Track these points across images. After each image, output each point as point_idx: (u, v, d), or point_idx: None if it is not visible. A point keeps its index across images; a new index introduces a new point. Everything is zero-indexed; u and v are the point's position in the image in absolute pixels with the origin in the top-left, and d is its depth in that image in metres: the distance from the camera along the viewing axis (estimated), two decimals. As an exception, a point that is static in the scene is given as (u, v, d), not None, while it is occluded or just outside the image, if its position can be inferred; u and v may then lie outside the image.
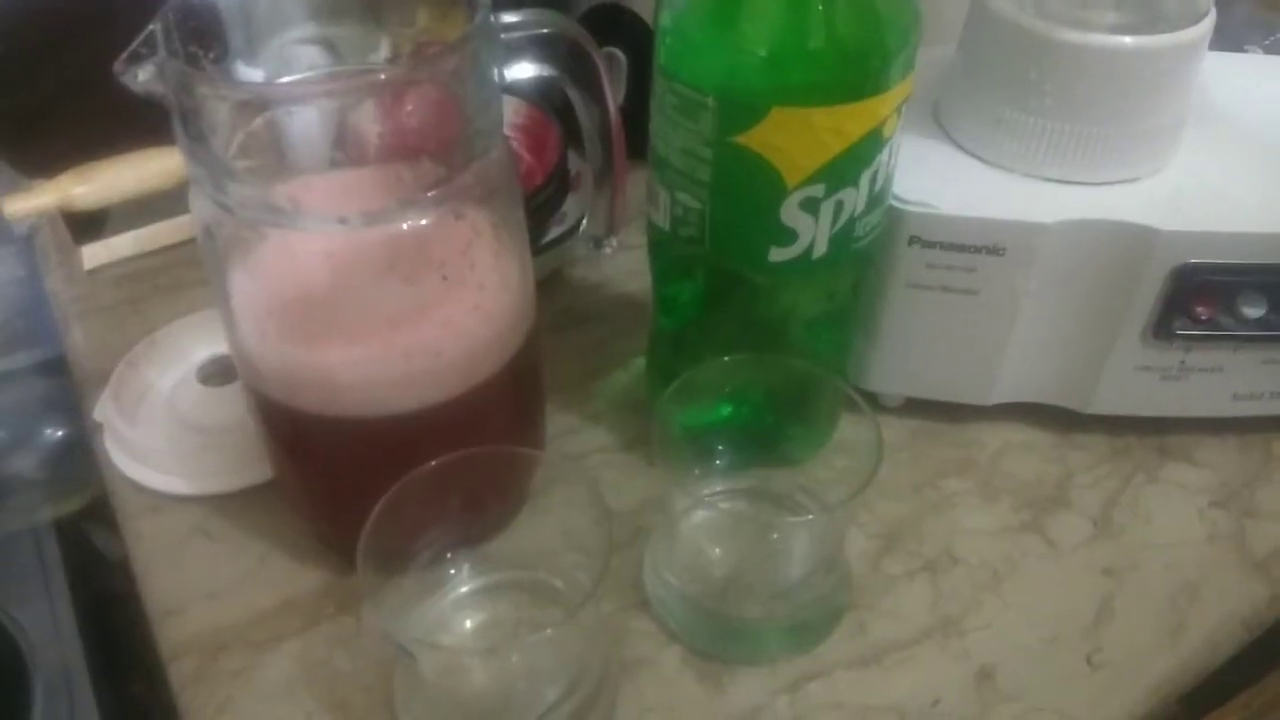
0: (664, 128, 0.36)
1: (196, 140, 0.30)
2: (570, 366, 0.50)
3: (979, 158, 0.42)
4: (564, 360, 0.50)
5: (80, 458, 0.58)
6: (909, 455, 0.46)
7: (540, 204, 0.52)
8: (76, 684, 0.57)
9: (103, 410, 0.47)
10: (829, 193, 0.35)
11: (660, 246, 0.40)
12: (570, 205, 0.55)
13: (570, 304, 0.55)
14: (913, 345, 0.44)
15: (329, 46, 0.39)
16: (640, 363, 0.49)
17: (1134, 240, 0.40)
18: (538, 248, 0.52)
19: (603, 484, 0.45)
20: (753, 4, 0.33)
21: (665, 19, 0.35)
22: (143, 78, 0.30)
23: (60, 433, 0.59)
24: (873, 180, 0.35)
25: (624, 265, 0.57)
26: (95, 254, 0.57)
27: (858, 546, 0.42)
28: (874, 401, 0.47)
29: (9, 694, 0.54)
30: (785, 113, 0.33)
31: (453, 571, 0.39)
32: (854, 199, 0.35)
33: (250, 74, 0.37)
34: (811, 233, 0.36)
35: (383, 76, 0.30)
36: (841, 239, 0.36)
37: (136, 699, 0.60)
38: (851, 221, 0.36)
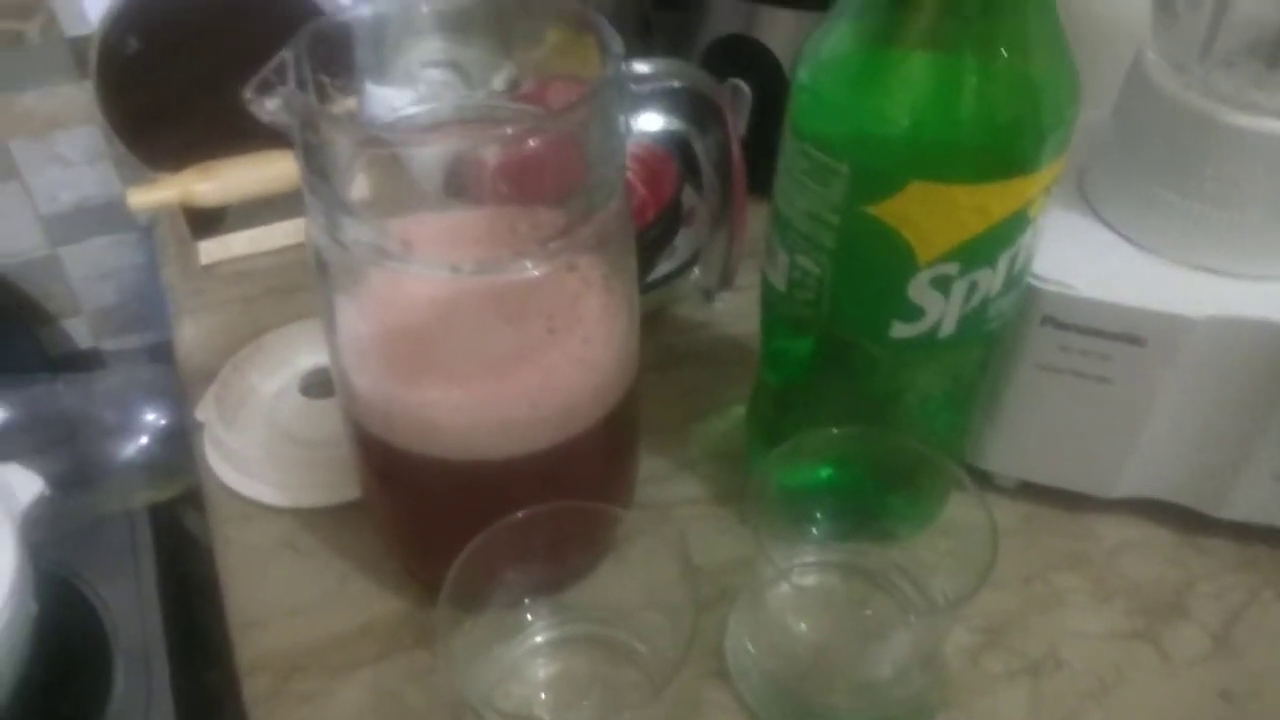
0: (790, 189, 0.34)
1: (317, 174, 0.30)
2: (667, 408, 0.49)
3: (1126, 237, 0.39)
4: (661, 401, 0.49)
5: (181, 446, 0.59)
6: (1020, 543, 0.43)
7: (651, 240, 0.51)
8: (155, 666, 0.58)
9: (205, 410, 0.48)
10: (963, 272, 0.32)
11: (774, 305, 0.38)
12: (682, 241, 0.53)
13: (673, 342, 0.53)
14: (1036, 428, 0.41)
15: (456, 68, 0.39)
16: (740, 412, 0.47)
17: (1290, 344, 0.36)
18: (645, 284, 0.51)
19: (690, 538, 0.43)
20: (897, 68, 0.31)
21: (802, 75, 0.33)
22: (270, 108, 0.30)
23: (163, 420, 0.61)
24: (1012, 262, 0.33)
25: (732, 306, 0.54)
26: (211, 250, 0.58)
27: (957, 639, 0.39)
28: (987, 480, 0.44)
29: (93, 670, 0.56)
30: (924, 187, 0.31)
31: (530, 618, 0.38)
32: (990, 280, 0.33)
33: (379, 92, 0.37)
34: (940, 311, 0.33)
35: (509, 130, 0.29)
36: (972, 319, 0.34)
37: (211, 686, 0.61)
38: (985, 303, 0.34)
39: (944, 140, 0.31)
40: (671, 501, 0.45)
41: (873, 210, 0.32)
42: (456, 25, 0.38)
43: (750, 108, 0.59)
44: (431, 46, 0.38)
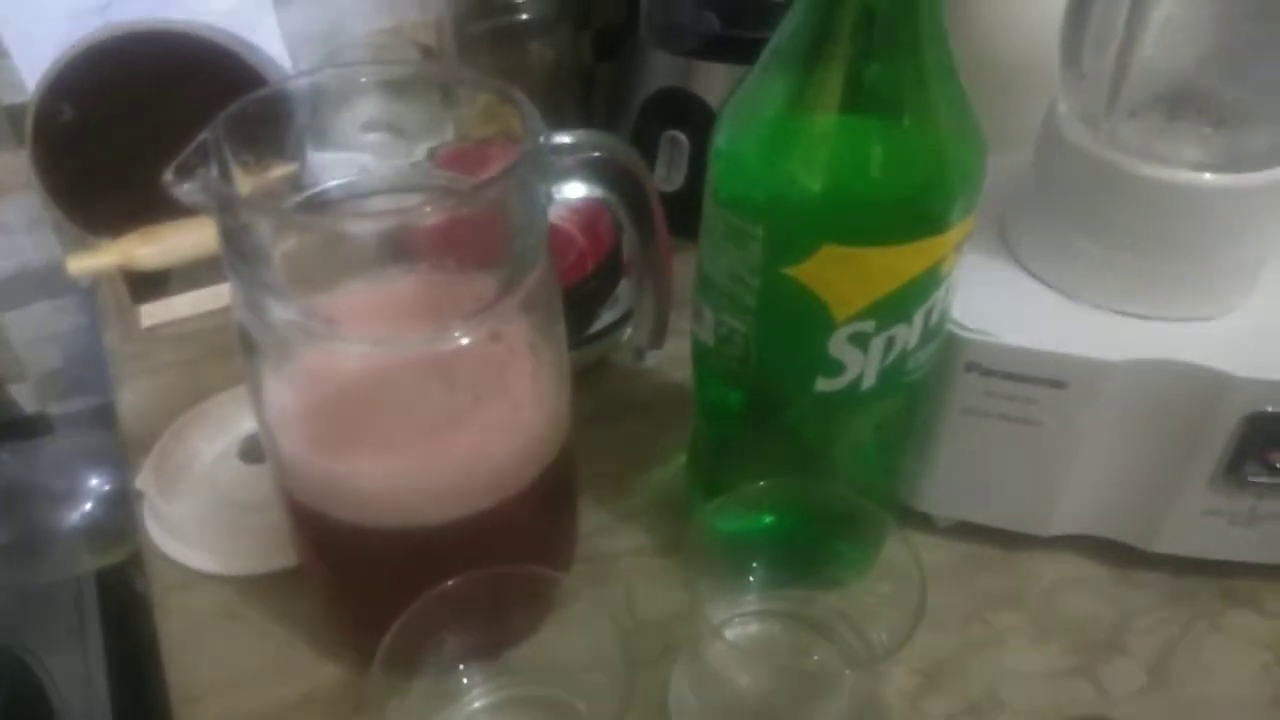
0: (711, 250, 0.35)
1: (238, 256, 0.30)
2: (609, 460, 0.49)
3: (1046, 284, 0.40)
4: (603, 453, 0.49)
5: (125, 511, 0.58)
6: (957, 581, 0.44)
7: (592, 290, 0.51)
8: (103, 737, 0.57)
9: (144, 480, 0.47)
10: (879, 329, 0.33)
11: (704, 360, 0.39)
12: (623, 290, 0.54)
13: (616, 391, 0.54)
14: (969, 470, 0.42)
15: (396, 130, 0.39)
16: (682, 459, 0.47)
17: (1205, 384, 0.37)
18: (587, 336, 0.52)
19: (634, 591, 0.44)
20: (807, 137, 0.32)
21: (719, 140, 0.34)
22: (188, 189, 0.30)
23: (108, 485, 0.60)
24: (928, 315, 0.34)
25: (671, 352, 0.55)
26: (153, 313, 0.57)
27: (898, 682, 0.40)
28: (926, 521, 0.45)
29: (37, 745, 0.55)
30: (837, 250, 0.31)
31: (468, 683, 0.38)
32: (906, 334, 0.34)
33: (319, 158, 0.37)
34: (860, 366, 0.34)
35: (428, 209, 0.30)
36: (892, 372, 0.35)
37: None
38: (904, 356, 0.35)
39: (855, 203, 0.31)
40: (615, 554, 0.45)
41: (789, 272, 0.32)
42: (394, 89, 0.38)
43: (688, 158, 0.60)
44: (370, 109, 0.39)
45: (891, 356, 0.34)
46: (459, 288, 0.32)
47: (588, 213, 0.55)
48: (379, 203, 0.37)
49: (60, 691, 0.56)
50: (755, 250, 0.33)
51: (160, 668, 0.43)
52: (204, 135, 0.31)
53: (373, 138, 0.39)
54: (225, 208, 0.29)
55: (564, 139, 0.33)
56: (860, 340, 0.33)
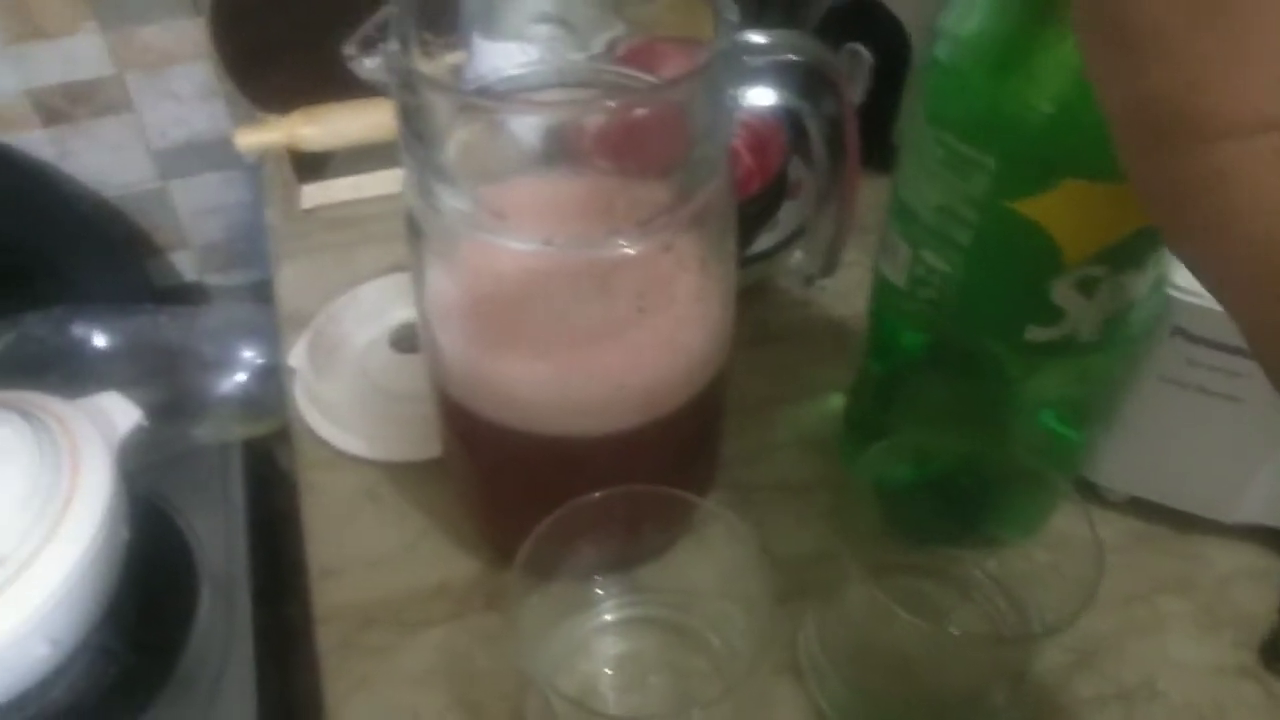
0: (917, 178, 0.32)
1: (413, 136, 0.29)
2: (757, 387, 0.47)
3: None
4: (752, 379, 0.48)
5: (276, 385, 0.60)
6: (1124, 560, 0.41)
7: (754, 212, 0.49)
8: (238, 597, 0.59)
9: (298, 356, 0.48)
10: (1112, 274, 0.30)
11: (888, 300, 0.36)
12: (785, 214, 0.51)
13: (768, 318, 0.52)
14: (1154, 444, 0.39)
15: (564, 24, 0.38)
16: (835, 400, 0.45)
17: None
18: (745, 258, 0.50)
19: (770, 526, 0.42)
20: (1056, 51, 0.28)
21: (940, 52, 0.31)
22: (370, 65, 0.29)
23: (260, 359, 0.62)
24: (1158, 264, 0.31)
25: (834, 284, 0.53)
26: (314, 194, 0.58)
27: (1048, 658, 0.37)
28: (1094, 492, 0.42)
29: (179, 597, 0.57)
30: (1080, 186, 0.28)
31: (601, 594, 0.38)
32: (1138, 283, 0.30)
33: (487, 48, 0.36)
34: (1081, 314, 0.31)
35: (613, 101, 0.28)
36: (1114, 324, 0.31)
37: (290, 620, 0.62)
38: (1129, 306, 0.31)
39: (1106, 133, 0.28)
40: (754, 485, 0.44)
41: (1019, 207, 0.29)
42: None
43: (870, 76, 0.56)
44: (541, 1, 0.37)
45: (1117, 306, 0.31)
46: (632, 192, 0.31)
47: (758, 129, 0.52)
48: (552, 96, 0.35)
49: (203, 548, 0.59)
50: (979, 181, 0.29)
51: (298, 540, 0.44)
52: (387, 9, 0.29)
53: (542, 29, 0.37)
54: (407, 85, 0.28)
55: (759, 39, 0.30)
56: (1088, 286, 0.30)
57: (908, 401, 0.38)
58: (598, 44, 0.38)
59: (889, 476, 0.36)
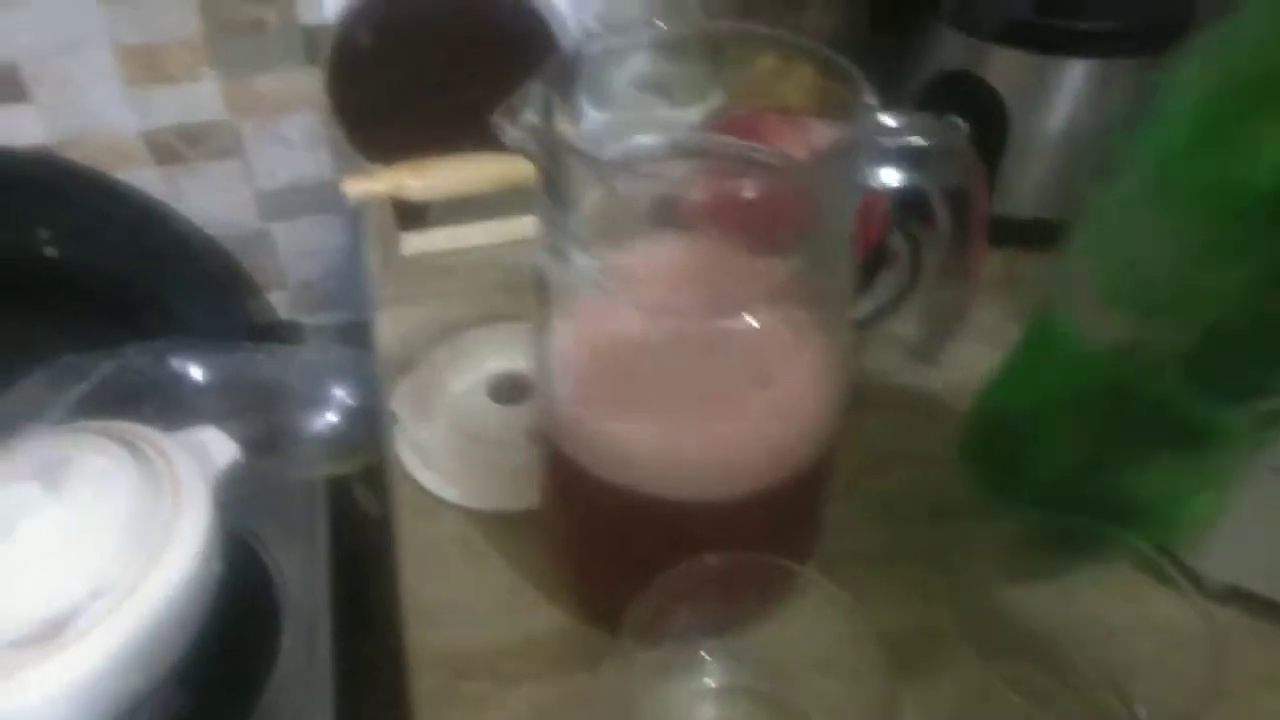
0: (1156, 241, 0.29)
1: (554, 202, 0.30)
2: (850, 456, 0.47)
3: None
4: (845, 448, 0.48)
5: (364, 426, 0.61)
6: (1221, 652, 0.40)
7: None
8: (320, 635, 0.60)
9: (400, 401, 0.49)
10: None
11: (1072, 364, 0.34)
12: (881, 283, 0.52)
13: (862, 386, 0.51)
14: (1265, 534, 0.38)
15: (660, 89, 0.38)
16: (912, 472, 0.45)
17: None
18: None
19: (866, 598, 0.42)
20: None
21: (1179, 104, 0.28)
22: (514, 134, 0.30)
23: (351, 400, 0.63)
24: None
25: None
26: (414, 242, 0.59)
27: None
28: (1197, 582, 0.41)
29: (262, 633, 0.58)
30: None
31: (700, 662, 0.38)
32: None
33: (596, 117, 0.37)
34: None
35: (757, 175, 0.29)
36: None
37: (366, 660, 0.63)
38: None
39: None
40: (844, 556, 0.44)
41: None
42: (669, 46, 0.37)
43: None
44: (642, 65, 0.38)
45: None
46: (757, 264, 0.31)
47: (862, 199, 0.52)
48: (673, 166, 0.36)
49: (287, 585, 0.59)
50: (1259, 254, 0.26)
51: (377, 581, 0.44)
52: (532, 82, 0.31)
53: (643, 96, 0.38)
54: (550, 152, 0.29)
55: (891, 121, 0.31)
56: None
57: (1045, 462, 0.36)
58: (696, 111, 0.39)
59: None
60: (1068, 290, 0.34)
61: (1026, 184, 0.58)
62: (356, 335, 0.64)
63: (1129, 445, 0.33)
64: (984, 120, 0.56)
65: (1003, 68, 0.55)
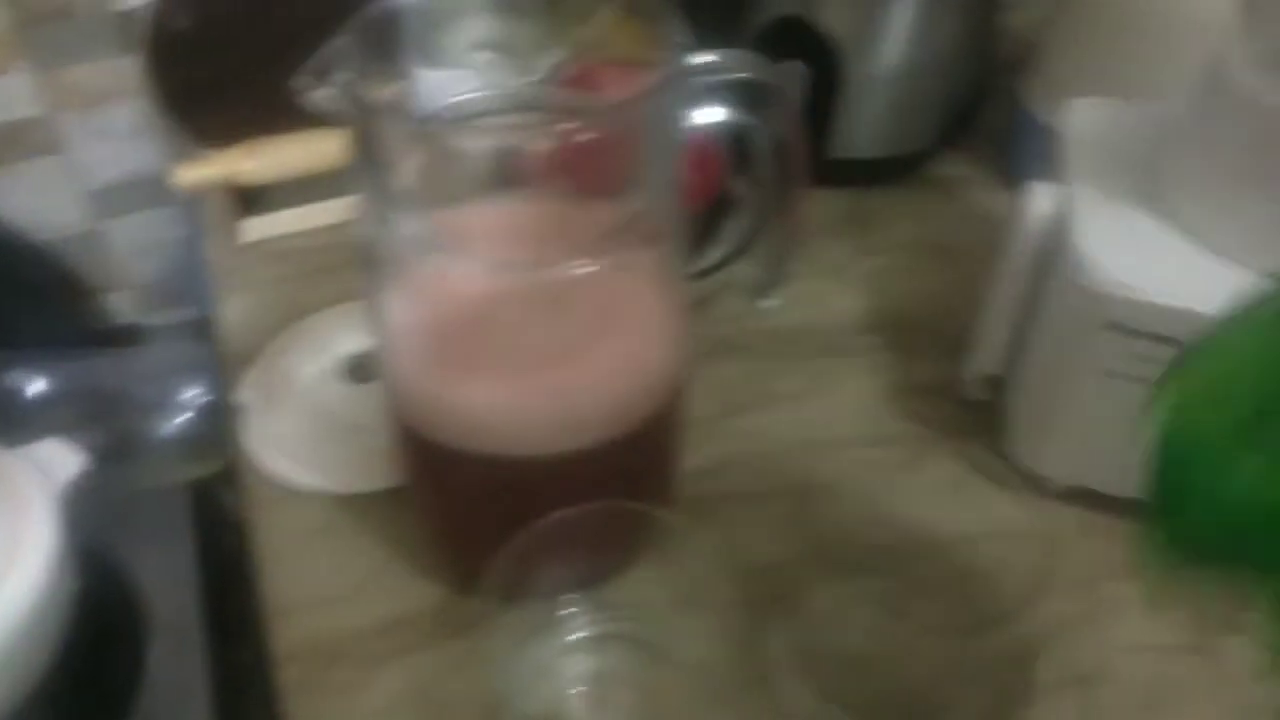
0: None
1: (368, 165, 0.29)
2: (710, 401, 0.48)
3: (1199, 241, 0.38)
4: (703, 393, 0.48)
5: (219, 424, 0.59)
6: (1072, 548, 0.42)
7: (699, 229, 0.50)
8: (189, 644, 0.58)
9: (245, 393, 0.47)
10: None
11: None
12: (729, 229, 0.52)
13: (716, 333, 0.52)
14: (1099, 435, 0.40)
15: (505, 48, 0.38)
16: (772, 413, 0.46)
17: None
18: (691, 274, 0.50)
19: (732, 536, 0.43)
20: None
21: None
22: (320, 96, 0.29)
23: (204, 397, 0.61)
24: None
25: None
26: (255, 228, 0.57)
27: (1004, 647, 0.38)
28: (1039, 484, 0.43)
29: (128, 646, 0.56)
30: None
31: (568, 614, 0.38)
32: None
33: (428, 76, 0.36)
34: None
35: (568, 124, 0.28)
36: None
37: (243, 666, 0.61)
38: None
39: None
40: (714, 497, 0.44)
41: None
42: (505, 4, 0.37)
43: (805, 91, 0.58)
44: (480, 27, 0.38)
45: None
46: (588, 213, 0.31)
47: (699, 147, 0.53)
48: (498, 122, 0.35)
49: (151, 595, 0.57)
50: None
51: (247, 583, 0.43)
52: (336, 40, 0.30)
53: (483, 56, 0.38)
54: (361, 114, 0.28)
55: (707, 58, 0.31)
56: None
57: None
58: (540, 69, 0.38)
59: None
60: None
61: (864, 124, 0.59)
62: (206, 331, 0.61)
63: None
64: (819, 64, 0.57)
65: (833, 10, 0.55)
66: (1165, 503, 0.35)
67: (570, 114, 0.33)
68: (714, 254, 0.52)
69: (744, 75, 0.31)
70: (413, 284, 0.32)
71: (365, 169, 0.29)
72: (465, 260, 0.30)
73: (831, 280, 0.55)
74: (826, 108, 0.58)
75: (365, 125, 0.28)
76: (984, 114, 0.65)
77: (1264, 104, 0.35)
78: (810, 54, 0.57)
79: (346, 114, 0.28)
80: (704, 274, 0.51)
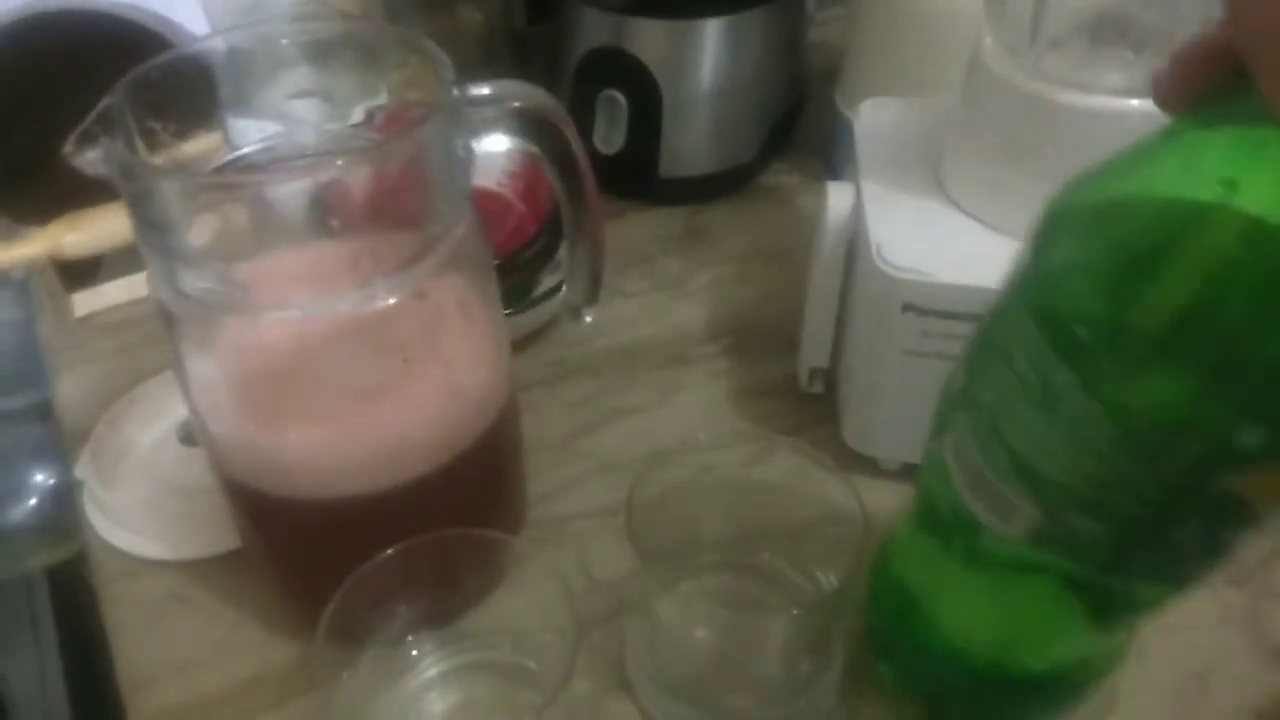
0: (1046, 433, 0.25)
1: (148, 225, 0.29)
2: (559, 422, 0.49)
3: (977, 219, 0.40)
4: (554, 416, 0.49)
5: (72, 506, 0.57)
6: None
7: (533, 255, 0.51)
8: (59, 733, 0.56)
9: (83, 468, 0.46)
10: None
11: (980, 547, 0.30)
12: (563, 253, 0.53)
13: (562, 356, 0.53)
14: (912, 412, 0.42)
15: (325, 97, 0.38)
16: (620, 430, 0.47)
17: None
18: (530, 300, 0.51)
19: (588, 553, 0.43)
20: None
21: (1066, 256, 0.25)
22: (90, 158, 0.29)
23: (52, 480, 0.59)
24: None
25: (620, 314, 0.55)
26: (86, 301, 0.56)
27: (847, 622, 0.40)
28: (871, 465, 0.45)
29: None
30: None
31: (419, 652, 0.38)
32: None
33: (240, 126, 0.36)
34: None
35: (339, 163, 0.29)
36: None
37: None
38: None
39: None
40: (568, 517, 0.45)
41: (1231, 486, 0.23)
42: (322, 54, 0.37)
43: (627, 118, 0.59)
44: (298, 77, 0.38)
45: None
46: (382, 248, 0.32)
47: (525, 177, 0.54)
48: (298, 166, 0.36)
49: (14, 690, 0.55)
50: (1178, 459, 0.23)
51: (111, 658, 0.42)
52: (105, 102, 0.30)
53: (301, 104, 0.38)
54: (129, 175, 0.28)
55: (481, 90, 0.32)
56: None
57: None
58: (356, 115, 0.39)
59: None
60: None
61: (689, 144, 0.61)
62: (49, 412, 0.59)
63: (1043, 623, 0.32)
64: (636, 90, 0.58)
65: (642, 38, 0.58)
66: (883, 648, 0.38)
67: (358, 153, 0.34)
68: (550, 280, 0.53)
69: (519, 104, 0.32)
70: (213, 339, 0.32)
71: (146, 230, 0.29)
72: (260, 309, 0.30)
73: (672, 294, 0.57)
74: (651, 131, 0.60)
75: (136, 185, 0.28)
76: (805, 123, 0.68)
77: (1012, 86, 0.37)
78: (629, 81, 0.59)
79: (116, 176, 0.29)
80: (545, 298, 0.52)
